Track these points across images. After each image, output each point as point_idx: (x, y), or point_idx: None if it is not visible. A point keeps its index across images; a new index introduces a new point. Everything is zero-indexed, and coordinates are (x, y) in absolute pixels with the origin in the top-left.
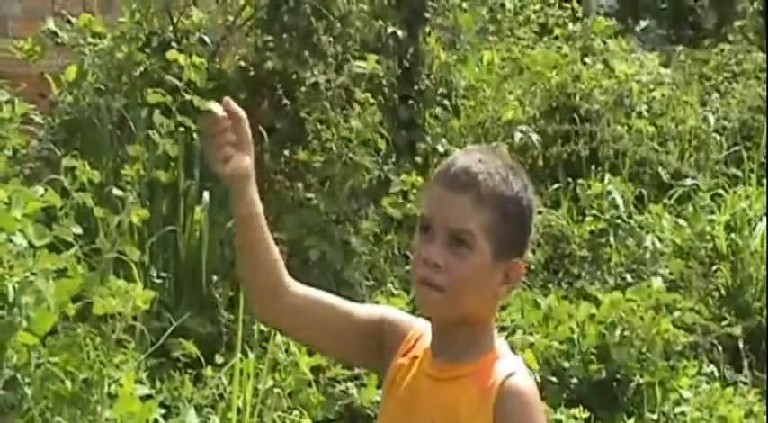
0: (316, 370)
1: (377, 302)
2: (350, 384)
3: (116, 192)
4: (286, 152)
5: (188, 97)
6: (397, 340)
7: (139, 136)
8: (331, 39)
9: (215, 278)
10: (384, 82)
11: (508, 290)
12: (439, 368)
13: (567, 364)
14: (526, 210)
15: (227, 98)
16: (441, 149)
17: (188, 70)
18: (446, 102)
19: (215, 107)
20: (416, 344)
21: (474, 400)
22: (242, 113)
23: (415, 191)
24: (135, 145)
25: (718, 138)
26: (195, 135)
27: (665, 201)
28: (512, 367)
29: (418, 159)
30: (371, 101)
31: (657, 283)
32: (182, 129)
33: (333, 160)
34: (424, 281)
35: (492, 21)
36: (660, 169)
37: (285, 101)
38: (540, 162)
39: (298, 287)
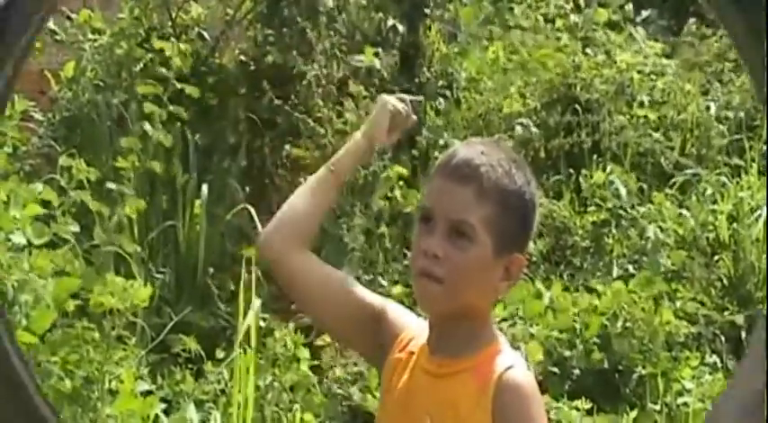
0: (319, 371)
1: None
2: (353, 389)
3: (111, 185)
4: (287, 147)
5: (179, 86)
6: (390, 337)
7: (136, 129)
8: (328, 34)
9: (212, 270)
10: (384, 75)
11: (509, 285)
12: (437, 364)
13: (568, 354)
14: (529, 204)
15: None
16: (441, 142)
17: (175, 58)
18: (447, 94)
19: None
20: (410, 342)
21: (473, 395)
22: (414, 119)
23: (401, 183)
24: (128, 137)
25: (720, 127)
26: (186, 128)
27: (667, 191)
28: (510, 361)
29: (416, 152)
30: (364, 94)
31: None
32: (178, 124)
33: (328, 156)
34: (423, 272)
35: (495, 14)
36: (662, 159)
37: (277, 101)
38: (542, 154)
39: (315, 256)
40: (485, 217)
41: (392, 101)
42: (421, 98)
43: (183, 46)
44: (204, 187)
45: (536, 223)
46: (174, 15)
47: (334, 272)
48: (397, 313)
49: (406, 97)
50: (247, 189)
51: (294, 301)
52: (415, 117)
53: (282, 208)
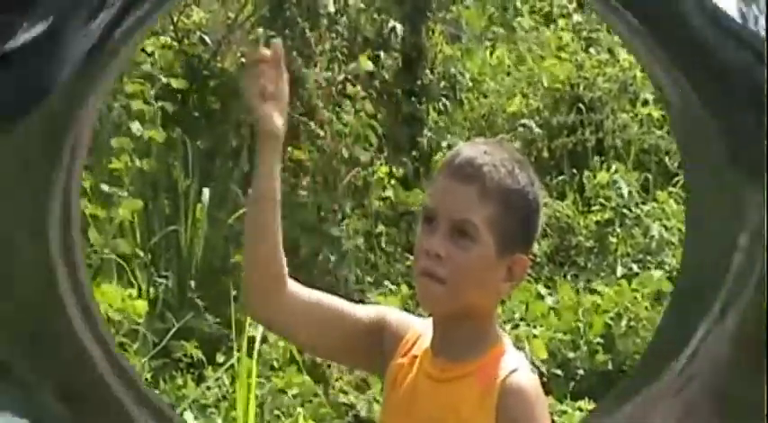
0: (323, 379)
1: (375, 300)
2: (361, 404)
3: (104, 187)
4: (289, 149)
5: (165, 80)
6: (395, 341)
7: (125, 129)
8: (329, 36)
9: (214, 274)
10: (386, 77)
11: (512, 286)
12: (440, 368)
13: (572, 355)
14: (532, 204)
15: (278, 44)
16: (444, 144)
17: (158, 51)
18: (450, 95)
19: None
20: (415, 344)
21: (476, 397)
22: (285, 72)
23: (393, 182)
24: (119, 137)
25: None
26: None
27: (671, 188)
28: (515, 363)
29: (416, 154)
30: (362, 94)
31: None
32: (179, 132)
33: (328, 158)
34: (426, 272)
35: (500, 16)
36: (666, 157)
37: None
38: (545, 153)
39: (297, 287)
40: (487, 217)
41: (248, 74)
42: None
43: (162, 38)
44: (206, 191)
45: (540, 224)
46: (175, 20)
47: (326, 306)
48: (398, 316)
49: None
50: (250, 193)
51: (294, 344)
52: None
53: (244, 265)
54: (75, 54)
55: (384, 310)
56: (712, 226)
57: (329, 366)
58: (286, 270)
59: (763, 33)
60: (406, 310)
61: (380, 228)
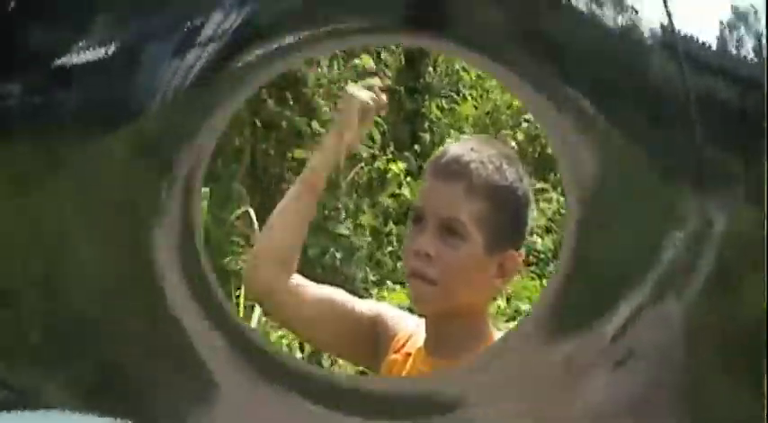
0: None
1: (380, 297)
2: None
3: None
4: (292, 148)
5: None
6: (387, 338)
7: None
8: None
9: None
10: (388, 74)
11: (504, 282)
12: (433, 366)
13: None
14: (521, 199)
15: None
16: (448, 140)
17: None
18: (453, 92)
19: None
20: (408, 342)
21: None
22: (384, 102)
23: (409, 180)
24: None
25: None
26: None
27: None
28: None
29: (418, 149)
30: None
31: None
32: None
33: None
34: (416, 273)
35: None
36: None
37: (279, 106)
38: (549, 149)
39: (301, 278)
40: (475, 214)
41: (358, 94)
42: (388, 82)
43: None
44: (204, 190)
45: (531, 219)
46: None
47: (322, 293)
48: (392, 313)
49: (374, 83)
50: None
51: (290, 330)
52: (384, 99)
53: (261, 239)
54: (161, 80)
55: (380, 306)
56: (626, 224)
57: (327, 357)
58: (297, 259)
59: (749, 55)
60: (408, 309)
61: (390, 225)
